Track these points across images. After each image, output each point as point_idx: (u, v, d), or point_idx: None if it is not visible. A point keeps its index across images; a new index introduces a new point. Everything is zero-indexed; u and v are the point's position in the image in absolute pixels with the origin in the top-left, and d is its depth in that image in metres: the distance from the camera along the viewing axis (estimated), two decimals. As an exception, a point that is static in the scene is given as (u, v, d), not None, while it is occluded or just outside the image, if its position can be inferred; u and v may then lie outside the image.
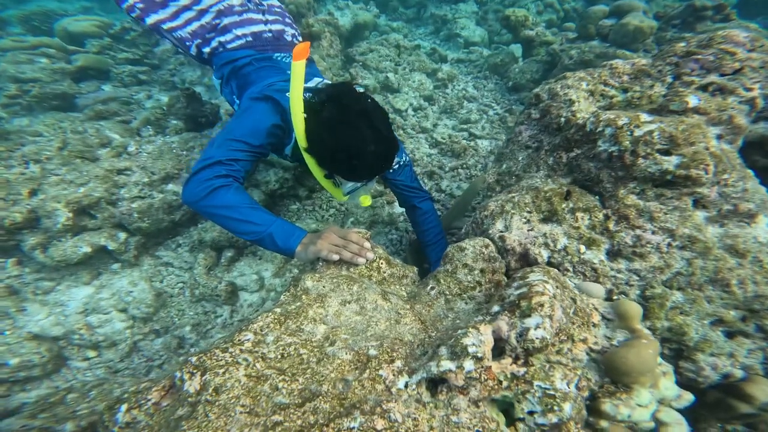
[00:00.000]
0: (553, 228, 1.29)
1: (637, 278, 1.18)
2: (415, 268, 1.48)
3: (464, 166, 2.82)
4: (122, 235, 2.12)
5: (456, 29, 4.99)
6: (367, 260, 1.36)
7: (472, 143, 2.97)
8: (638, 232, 1.19)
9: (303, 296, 1.18)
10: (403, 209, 2.22)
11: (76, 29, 3.46)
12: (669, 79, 1.41)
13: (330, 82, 1.66)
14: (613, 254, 1.22)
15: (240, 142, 1.44)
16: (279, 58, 1.93)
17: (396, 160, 1.74)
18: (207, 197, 1.35)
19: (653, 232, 1.17)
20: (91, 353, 2.12)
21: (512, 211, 1.36)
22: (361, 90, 1.41)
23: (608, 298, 1.18)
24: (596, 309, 1.07)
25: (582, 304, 1.05)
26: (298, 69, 1.32)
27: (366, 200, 1.63)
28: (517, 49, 4.32)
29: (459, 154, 2.87)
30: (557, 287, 0.98)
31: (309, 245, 1.38)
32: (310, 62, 1.98)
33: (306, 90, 1.47)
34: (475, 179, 2.69)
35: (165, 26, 2.07)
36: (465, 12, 5.31)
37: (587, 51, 3.05)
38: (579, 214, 1.27)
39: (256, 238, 1.40)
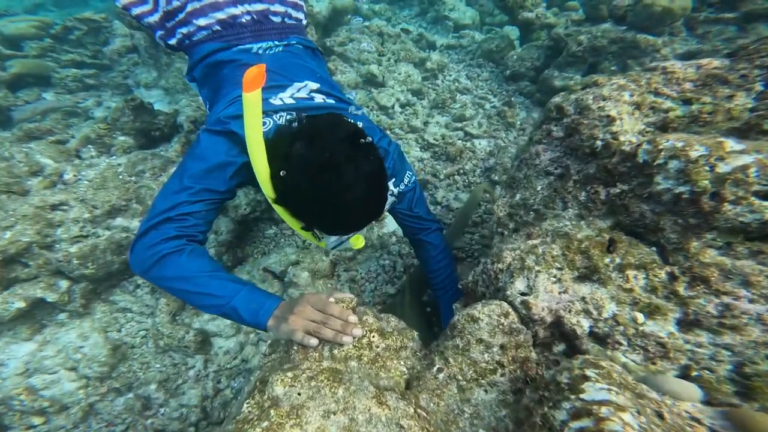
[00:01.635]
0: (594, 290, 1.00)
1: (729, 353, 0.90)
2: (415, 334, 1.18)
3: (461, 171, 2.51)
4: (64, 284, 1.79)
5: (444, 11, 4.59)
6: (353, 338, 1.06)
7: (468, 144, 2.66)
8: (726, 299, 0.90)
9: (272, 410, 0.87)
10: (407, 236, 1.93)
11: (12, 31, 3.01)
12: (759, 87, 1.10)
13: (309, 99, 1.31)
14: (686, 325, 0.93)
15: (194, 189, 1.13)
16: (260, 52, 1.50)
17: (393, 190, 1.42)
18: (155, 267, 1.10)
19: (751, 301, 0.88)
20: (37, 420, 1.81)
21: (536, 267, 1.06)
22: (351, 120, 1.12)
23: (707, 401, 0.87)
24: (698, 422, 0.76)
25: (673, 419, 0.74)
26: (250, 103, 0.99)
27: (358, 242, 1.33)
28: (512, 32, 3.97)
29: (454, 157, 2.55)
30: (635, 409, 0.68)
31: (281, 321, 1.10)
32: (293, 54, 1.54)
33: (276, 113, 1.18)
34: (475, 189, 2.38)
35: (133, 11, 1.63)
36: (452, -9, 4.90)
37: (600, 36, 2.71)
38: (630, 272, 0.98)
39: (218, 312, 1.14)
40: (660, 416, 0.73)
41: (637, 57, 2.59)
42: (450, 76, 3.51)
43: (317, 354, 1.06)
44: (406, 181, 1.51)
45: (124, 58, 3.06)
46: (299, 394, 0.90)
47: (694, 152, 0.91)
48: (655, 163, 0.98)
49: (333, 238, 1.25)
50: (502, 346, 0.99)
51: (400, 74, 3.34)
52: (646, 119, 1.20)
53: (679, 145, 0.96)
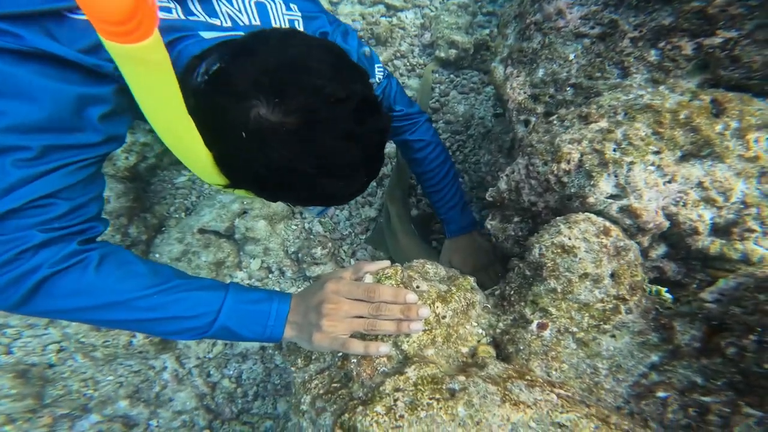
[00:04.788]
0: (710, 168, 0.80)
1: None
2: (472, 280, 0.94)
3: (398, 54, 2.09)
4: None
5: None
6: (422, 320, 0.79)
7: (393, 20, 2.19)
8: None
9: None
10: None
11: None
12: None
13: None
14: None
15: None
16: None
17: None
18: (32, 301, 0.69)
19: None
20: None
21: (626, 158, 0.82)
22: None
23: None
24: None
25: None
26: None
27: None
28: None
29: (385, 39, 2.10)
30: None
31: (307, 328, 0.79)
32: None
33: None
34: (424, 71, 2.02)
35: None
36: None
37: None
38: (751, 136, 0.78)
39: (198, 338, 0.81)
40: None
41: None
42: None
43: (385, 358, 0.78)
44: (378, 76, 1.14)
45: None
46: (411, 436, 0.62)
47: None
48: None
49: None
50: (613, 275, 0.78)
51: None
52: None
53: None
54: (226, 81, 0.64)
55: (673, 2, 0.83)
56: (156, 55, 0.57)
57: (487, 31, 2.02)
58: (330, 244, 1.69)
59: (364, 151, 0.71)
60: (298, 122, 0.63)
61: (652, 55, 0.89)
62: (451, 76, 2.00)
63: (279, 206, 1.75)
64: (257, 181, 0.72)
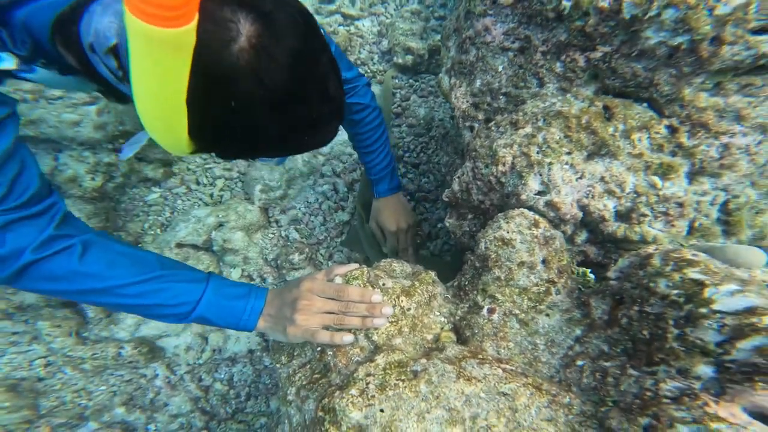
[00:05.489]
0: (609, 165, 0.95)
1: (725, 193, 0.95)
2: (433, 274, 1.07)
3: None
4: None
5: None
6: (386, 317, 0.92)
7: (351, 29, 2.30)
8: (725, 139, 0.91)
9: (360, 444, 0.73)
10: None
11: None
12: None
13: None
14: (693, 175, 0.95)
15: None
16: None
17: None
18: (23, 281, 0.78)
19: (744, 135, 0.90)
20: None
21: (546, 159, 0.96)
22: None
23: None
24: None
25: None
26: None
27: None
28: None
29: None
30: None
31: (281, 321, 0.91)
32: None
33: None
34: (384, 77, 2.13)
35: None
36: None
37: None
38: (635, 136, 0.94)
39: (175, 323, 0.91)
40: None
41: None
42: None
43: (358, 349, 0.91)
44: None
45: None
46: (382, 411, 0.75)
47: (691, -3, 0.81)
48: (647, 16, 0.87)
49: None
50: (544, 261, 0.93)
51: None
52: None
53: (671, -11, 0.86)
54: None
55: (564, 21, 0.98)
56: (188, 38, 0.54)
57: (439, 36, 2.14)
58: (307, 250, 1.80)
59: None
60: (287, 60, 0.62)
61: (558, 67, 1.03)
62: (410, 80, 2.12)
63: (254, 216, 1.85)
64: (230, 136, 0.68)
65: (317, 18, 2.35)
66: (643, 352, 0.69)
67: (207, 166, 1.99)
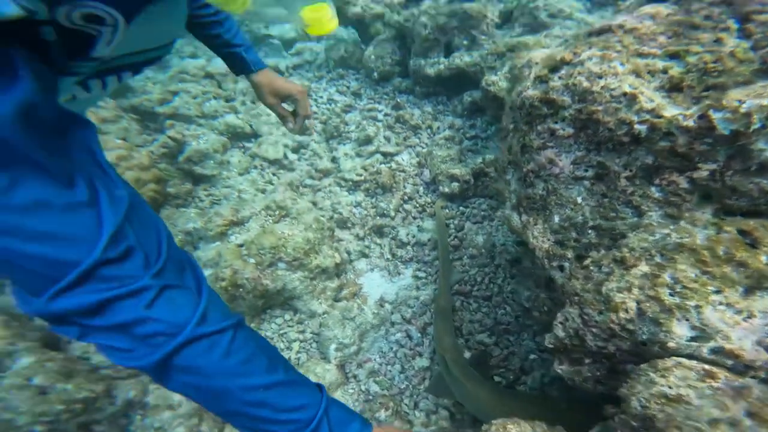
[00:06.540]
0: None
1: None
2: None
3: (406, 198, 2.23)
4: None
5: (260, 29, 4.14)
6: None
7: (392, 165, 2.38)
8: None
9: None
10: None
11: None
12: (733, 25, 1.00)
13: None
14: None
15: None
16: None
17: None
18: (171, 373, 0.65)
19: None
20: None
21: (688, 303, 0.83)
22: None
23: None
24: None
25: None
26: None
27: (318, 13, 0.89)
28: (349, 33, 3.75)
29: (390, 186, 2.26)
30: None
31: None
32: None
33: None
34: (435, 210, 2.12)
35: None
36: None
37: (437, 15, 2.61)
38: None
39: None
40: None
41: (476, 27, 2.55)
42: (320, 95, 3.17)
43: None
44: None
45: None
46: None
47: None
48: (751, 129, 0.80)
49: None
50: (750, 415, 0.75)
51: (269, 114, 2.90)
52: (651, 85, 1.03)
53: (765, 102, 0.80)
54: None
55: (643, 143, 0.92)
56: None
57: (479, 159, 2.16)
58: (392, 404, 1.64)
59: None
60: None
61: (654, 192, 0.96)
62: (461, 208, 2.11)
63: (332, 376, 1.74)
64: None
65: (359, 161, 2.46)
66: None
67: (282, 331, 1.93)
